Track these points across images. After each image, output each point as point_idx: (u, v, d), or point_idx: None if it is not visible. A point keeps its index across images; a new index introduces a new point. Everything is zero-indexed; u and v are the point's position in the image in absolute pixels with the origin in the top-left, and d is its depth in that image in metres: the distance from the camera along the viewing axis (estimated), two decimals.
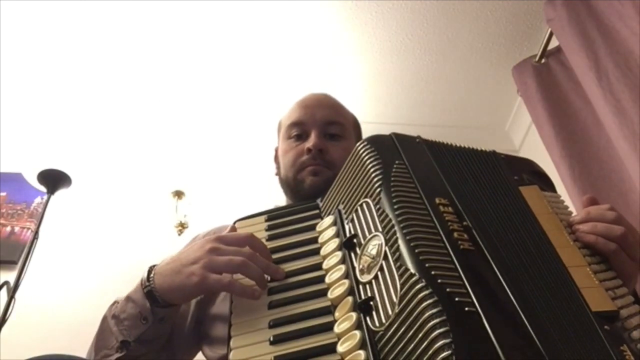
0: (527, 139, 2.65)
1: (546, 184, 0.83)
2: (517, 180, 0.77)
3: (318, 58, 2.46)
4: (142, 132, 2.80)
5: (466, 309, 0.50)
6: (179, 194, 2.90)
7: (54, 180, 2.31)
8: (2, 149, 2.71)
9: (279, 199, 1.12)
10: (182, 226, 2.81)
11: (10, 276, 2.09)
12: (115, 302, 0.80)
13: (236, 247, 0.70)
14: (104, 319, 0.79)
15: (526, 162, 0.87)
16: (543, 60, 2.19)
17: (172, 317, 0.78)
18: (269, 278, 0.69)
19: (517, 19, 2.28)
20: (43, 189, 2.32)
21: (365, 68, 2.52)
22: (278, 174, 1.10)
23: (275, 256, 0.73)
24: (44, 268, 2.48)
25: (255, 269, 0.67)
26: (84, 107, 2.67)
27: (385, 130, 0.79)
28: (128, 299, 0.75)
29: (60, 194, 2.37)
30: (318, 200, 0.82)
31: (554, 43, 2.13)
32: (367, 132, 0.79)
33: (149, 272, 0.73)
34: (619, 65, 1.69)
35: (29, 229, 2.64)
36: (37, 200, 2.74)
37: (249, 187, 2.67)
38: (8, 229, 2.65)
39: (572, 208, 0.79)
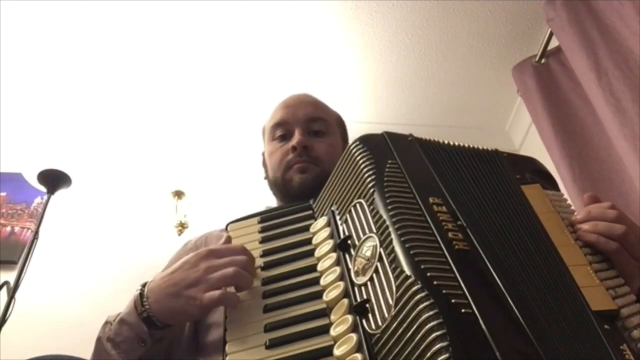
0: (527, 139, 2.65)
1: (549, 182, 0.82)
2: (520, 178, 0.76)
3: (318, 58, 2.45)
4: (142, 132, 2.80)
5: (463, 310, 0.49)
6: (179, 194, 2.91)
7: (54, 180, 2.31)
8: (2, 149, 2.71)
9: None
10: (182, 226, 2.81)
11: (10, 276, 2.09)
12: (107, 323, 0.77)
13: (230, 258, 0.68)
14: (99, 340, 0.77)
15: (529, 160, 0.86)
16: (543, 60, 2.19)
17: (170, 334, 0.76)
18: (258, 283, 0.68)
19: (517, 19, 2.27)
20: (43, 189, 2.32)
21: (365, 68, 2.51)
22: (267, 177, 1.09)
23: (269, 258, 0.72)
24: (44, 268, 2.49)
25: (249, 278, 0.67)
26: (83, 107, 2.67)
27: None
28: (122, 321, 0.72)
29: (60, 194, 2.36)
30: (311, 201, 0.81)
31: (554, 43, 2.13)
32: (366, 132, 0.78)
33: (142, 294, 0.70)
34: (619, 65, 1.68)
35: (29, 229, 2.64)
36: (37, 200, 2.74)
37: (248, 187, 2.66)
38: (8, 229, 2.65)
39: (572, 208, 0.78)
